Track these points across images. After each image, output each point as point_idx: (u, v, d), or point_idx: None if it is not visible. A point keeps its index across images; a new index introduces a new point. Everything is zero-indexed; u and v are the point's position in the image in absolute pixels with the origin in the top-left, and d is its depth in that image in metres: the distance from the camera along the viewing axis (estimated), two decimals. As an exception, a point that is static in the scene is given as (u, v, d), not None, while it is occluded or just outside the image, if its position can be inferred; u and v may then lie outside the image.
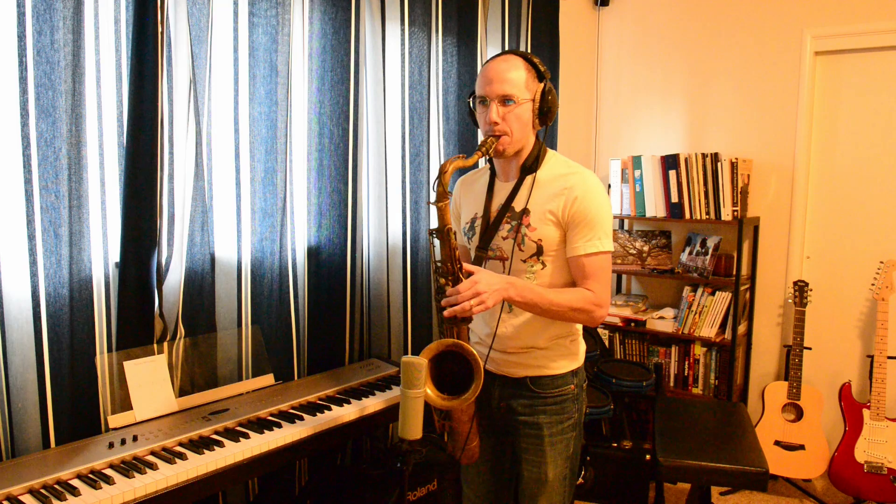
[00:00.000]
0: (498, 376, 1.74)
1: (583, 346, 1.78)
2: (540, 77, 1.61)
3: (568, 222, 1.60)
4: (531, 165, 1.64)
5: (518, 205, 1.65)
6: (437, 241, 1.56)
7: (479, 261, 1.69)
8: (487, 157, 1.64)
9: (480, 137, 1.64)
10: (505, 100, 1.57)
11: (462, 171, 1.73)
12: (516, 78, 1.58)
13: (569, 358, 1.72)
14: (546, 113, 1.62)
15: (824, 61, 3.27)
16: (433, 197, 1.52)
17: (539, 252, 1.63)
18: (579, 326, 1.75)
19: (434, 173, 2.72)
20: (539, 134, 1.69)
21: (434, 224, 2.74)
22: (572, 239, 1.60)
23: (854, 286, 3.23)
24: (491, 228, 1.68)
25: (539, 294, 1.56)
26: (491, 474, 1.84)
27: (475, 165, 1.64)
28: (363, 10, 2.38)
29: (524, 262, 1.65)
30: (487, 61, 1.65)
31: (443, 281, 1.52)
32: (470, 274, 1.50)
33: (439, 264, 1.53)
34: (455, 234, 1.54)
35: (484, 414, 1.77)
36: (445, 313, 1.49)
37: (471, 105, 1.70)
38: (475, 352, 1.48)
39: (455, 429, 1.66)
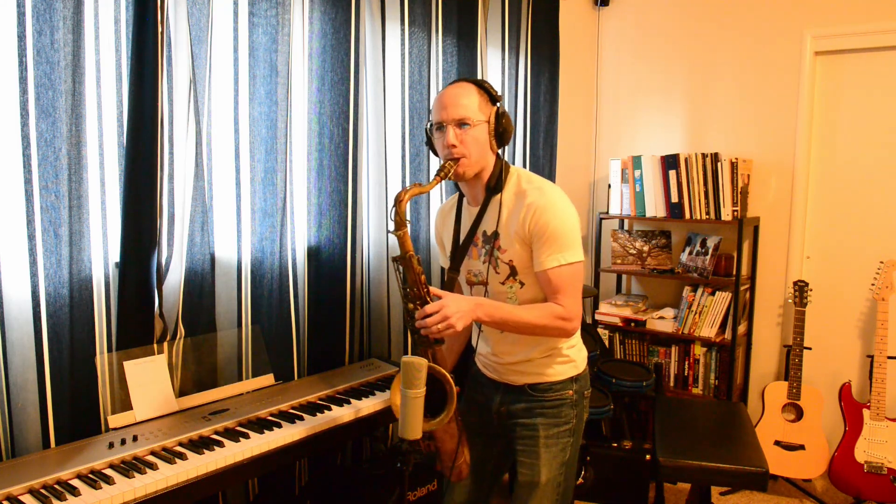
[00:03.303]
0: (501, 384, 1.78)
1: (583, 354, 1.79)
2: (493, 101, 1.65)
3: (531, 238, 1.61)
4: (495, 186, 1.66)
5: (488, 227, 1.68)
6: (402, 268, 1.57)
7: (451, 282, 1.73)
8: (449, 181, 1.66)
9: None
10: (460, 123, 1.60)
11: (426, 198, 1.74)
12: (469, 102, 1.61)
13: (567, 365, 1.73)
14: (502, 134, 1.65)
15: (824, 61, 3.27)
16: (391, 226, 1.55)
17: (513, 273, 1.66)
18: (577, 334, 1.76)
19: (434, 173, 2.71)
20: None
21: (431, 233, 2.75)
22: (537, 254, 1.61)
23: (854, 286, 3.23)
24: (460, 251, 1.72)
25: (508, 312, 1.58)
26: (471, 477, 1.83)
27: (445, 192, 1.65)
28: (363, 10, 2.38)
29: (502, 284, 1.68)
30: (442, 91, 1.68)
31: (411, 306, 1.55)
32: (438, 298, 1.53)
33: (407, 289, 1.55)
34: (419, 259, 1.56)
35: (482, 417, 1.80)
36: (421, 332, 1.52)
37: (428, 133, 1.71)
38: (447, 373, 1.51)
39: (440, 448, 1.68)
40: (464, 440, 1.70)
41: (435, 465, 1.73)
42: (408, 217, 1.57)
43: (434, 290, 1.55)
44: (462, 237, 1.73)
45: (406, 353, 2.63)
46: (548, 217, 1.58)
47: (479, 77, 2.87)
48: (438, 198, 2.75)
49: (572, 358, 1.74)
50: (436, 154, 1.71)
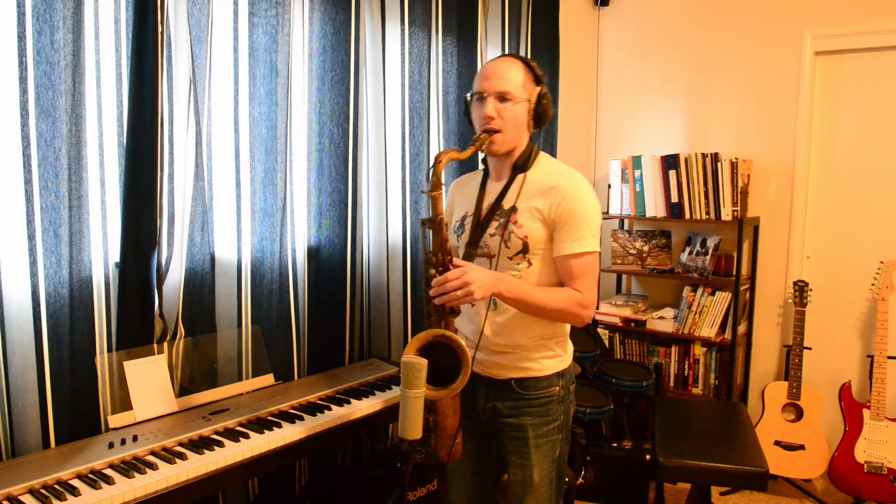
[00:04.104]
0: (484, 378, 1.74)
1: (570, 348, 1.78)
2: (537, 81, 1.64)
3: (554, 221, 1.60)
4: (522, 164, 1.66)
5: (507, 203, 1.66)
6: (429, 232, 1.57)
7: (468, 257, 1.70)
8: (481, 153, 1.65)
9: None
10: (501, 97, 1.59)
11: (459, 165, 1.73)
12: (514, 77, 1.60)
13: (554, 359, 1.71)
14: (541, 115, 1.65)
15: (824, 61, 3.26)
16: (426, 186, 1.54)
17: (525, 249, 1.63)
18: (566, 327, 1.75)
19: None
20: (539, 135, 1.69)
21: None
22: (558, 239, 1.60)
23: (854, 286, 3.23)
24: (481, 226, 1.69)
25: (528, 292, 1.57)
26: (475, 478, 1.83)
27: (474, 163, 1.64)
28: (363, 10, 2.38)
29: (510, 259, 1.65)
30: (487, 62, 1.67)
31: (433, 272, 1.53)
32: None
33: (430, 255, 1.55)
34: (447, 224, 1.56)
35: (470, 416, 1.76)
36: (435, 301, 1.50)
37: (467, 103, 1.70)
38: (463, 342, 1.48)
39: (440, 423, 1.65)
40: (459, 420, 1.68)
41: (429, 447, 1.69)
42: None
43: (457, 261, 1.54)
44: (483, 213, 1.71)
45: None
46: (575, 203, 1.58)
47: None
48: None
49: (559, 352, 1.72)
50: (471, 124, 1.70)
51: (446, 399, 1.60)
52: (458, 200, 1.82)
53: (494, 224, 1.67)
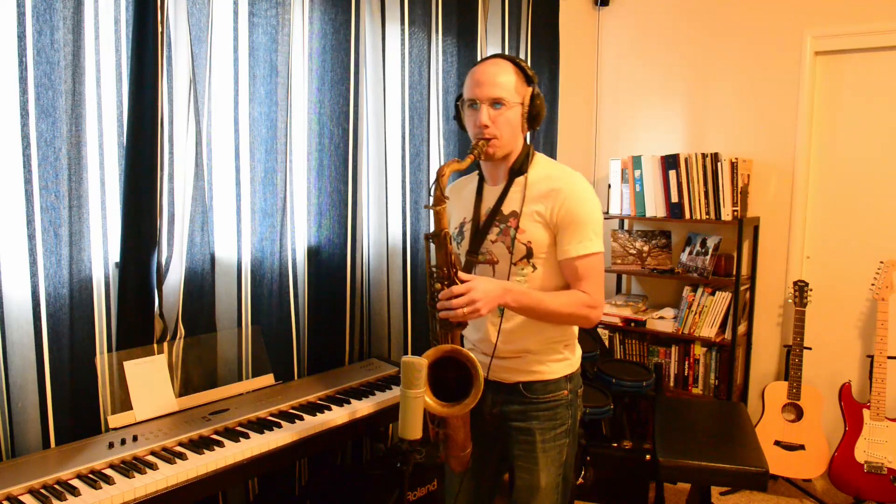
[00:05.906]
0: (491, 382, 1.71)
1: (578, 351, 1.76)
2: (528, 81, 1.62)
3: (557, 224, 1.59)
4: (519, 168, 1.64)
5: (507, 207, 1.64)
6: (432, 246, 1.54)
7: (469, 265, 1.68)
8: (479, 160, 1.64)
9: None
10: (495, 103, 1.58)
11: (458, 174, 1.72)
12: (506, 81, 1.58)
13: (562, 363, 1.69)
14: (535, 117, 1.64)
15: (824, 61, 3.26)
16: (430, 201, 1.52)
17: (529, 255, 1.62)
18: (574, 330, 1.74)
19: (434, 173, 2.72)
20: (539, 135, 1.68)
21: (432, 225, 2.75)
22: (562, 241, 1.59)
23: (854, 286, 3.23)
24: (481, 233, 1.67)
25: (535, 299, 1.56)
26: (473, 483, 1.81)
27: (470, 168, 1.63)
28: (363, 10, 2.38)
29: (514, 265, 1.64)
30: (476, 64, 1.66)
31: (438, 286, 1.51)
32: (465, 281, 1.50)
33: (434, 269, 1.52)
34: (452, 238, 1.54)
35: (476, 420, 1.74)
36: (440, 315, 1.49)
37: (458, 108, 1.69)
38: (473, 357, 1.46)
39: (451, 436, 1.64)
40: (469, 431, 1.67)
41: (439, 456, 1.69)
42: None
43: (462, 274, 1.51)
44: (482, 219, 1.68)
45: (406, 352, 2.63)
46: (577, 205, 1.57)
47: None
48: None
49: (567, 355, 1.71)
50: (463, 129, 1.69)
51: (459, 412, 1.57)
52: (454, 207, 1.79)
53: (495, 230, 1.65)
